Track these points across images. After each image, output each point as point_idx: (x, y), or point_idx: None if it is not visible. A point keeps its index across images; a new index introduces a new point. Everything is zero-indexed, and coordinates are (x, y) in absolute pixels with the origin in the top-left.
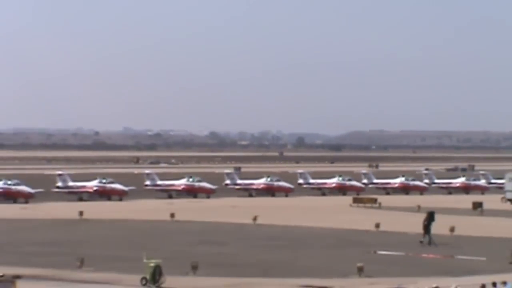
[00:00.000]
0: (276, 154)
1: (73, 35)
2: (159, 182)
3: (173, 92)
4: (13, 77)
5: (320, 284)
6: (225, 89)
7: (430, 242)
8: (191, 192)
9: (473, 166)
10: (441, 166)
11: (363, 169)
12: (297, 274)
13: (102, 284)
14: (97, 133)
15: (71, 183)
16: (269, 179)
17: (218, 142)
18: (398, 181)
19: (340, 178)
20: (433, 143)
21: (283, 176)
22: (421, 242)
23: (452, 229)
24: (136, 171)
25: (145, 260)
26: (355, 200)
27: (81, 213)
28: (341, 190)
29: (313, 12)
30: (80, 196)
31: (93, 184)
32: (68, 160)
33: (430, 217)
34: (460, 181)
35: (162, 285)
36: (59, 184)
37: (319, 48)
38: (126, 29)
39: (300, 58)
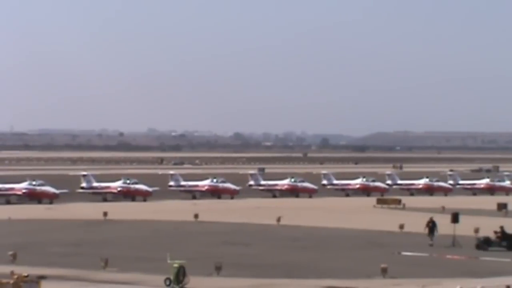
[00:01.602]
0: (300, 155)
1: (97, 37)
2: (183, 183)
3: (198, 93)
4: (39, 78)
5: (344, 285)
6: (249, 90)
7: (432, 245)
8: (215, 193)
9: (497, 167)
10: (465, 167)
11: (387, 170)
12: (321, 275)
13: (126, 285)
14: (121, 134)
15: (95, 184)
16: (293, 180)
17: (242, 143)
18: (422, 182)
19: (364, 179)
20: (457, 144)
21: (307, 177)
22: (431, 245)
23: (476, 230)
24: (160, 171)
25: (169, 261)
26: (379, 201)
27: (105, 213)
28: (365, 191)
29: (337, 13)
30: (104, 196)
31: (117, 185)
32: (92, 161)
33: (433, 221)
34: (484, 182)
35: (186, 286)
36: (84, 184)
37: (343, 50)
38: (149, 31)
39: (324, 59)
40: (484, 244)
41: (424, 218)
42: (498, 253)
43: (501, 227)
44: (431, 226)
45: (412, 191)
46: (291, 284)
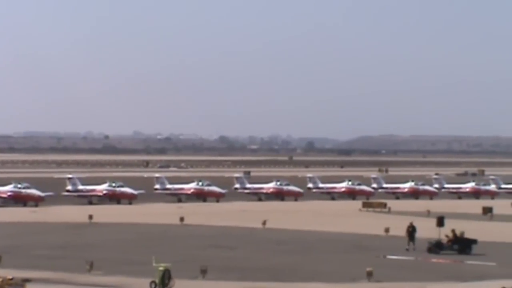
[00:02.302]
0: (286, 158)
1: (83, 39)
2: (168, 186)
3: (183, 96)
4: (23, 80)
5: None
6: (235, 93)
7: (414, 249)
8: (200, 196)
9: (483, 171)
10: (451, 171)
11: (373, 173)
12: (306, 279)
13: None
14: (107, 137)
15: (81, 187)
16: (278, 183)
17: (227, 146)
18: (407, 185)
19: (350, 183)
20: (443, 148)
21: (293, 180)
22: (407, 249)
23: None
24: (145, 174)
25: (154, 264)
26: (365, 205)
27: (90, 216)
28: (350, 194)
29: (322, 16)
30: (89, 199)
31: (102, 188)
32: (78, 164)
33: (413, 226)
34: (470, 186)
35: None
36: (69, 187)
37: (328, 53)
38: (136, 33)
39: (309, 62)
40: (435, 247)
41: (410, 221)
42: (481, 257)
43: (453, 231)
44: (411, 231)
45: (398, 195)
46: (277, 287)
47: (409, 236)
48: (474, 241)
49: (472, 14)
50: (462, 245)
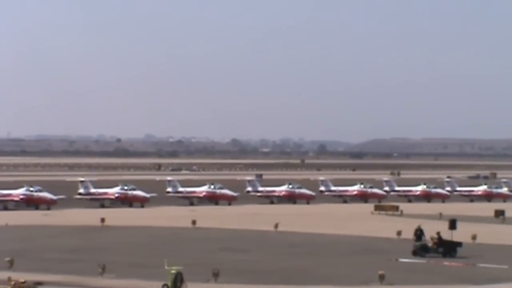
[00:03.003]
0: (298, 161)
1: (95, 44)
2: (180, 189)
3: (195, 99)
4: (36, 84)
5: None
6: (247, 96)
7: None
8: (212, 199)
9: (495, 174)
10: (463, 174)
11: (385, 176)
12: (318, 282)
13: None
14: (119, 140)
15: (93, 190)
16: (290, 186)
17: (239, 149)
18: (420, 188)
19: (362, 186)
20: (455, 151)
21: (305, 183)
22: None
23: (474, 237)
24: (157, 178)
25: (166, 267)
26: (377, 208)
27: (102, 219)
28: (362, 197)
29: (333, 19)
30: (101, 202)
31: (114, 191)
32: (90, 167)
33: (421, 229)
34: (482, 189)
35: None
36: (81, 190)
37: (341, 56)
38: (148, 38)
39: (323, 66)
40: (421, 250)
41: (422, 224)
42: (496, 260)
43: (438, 233)
44: (419, 234)
45: (410, 198)
46: None
47: (417, 240)
48: (459, 244)
49: (485, 14)
50: (447, 248)
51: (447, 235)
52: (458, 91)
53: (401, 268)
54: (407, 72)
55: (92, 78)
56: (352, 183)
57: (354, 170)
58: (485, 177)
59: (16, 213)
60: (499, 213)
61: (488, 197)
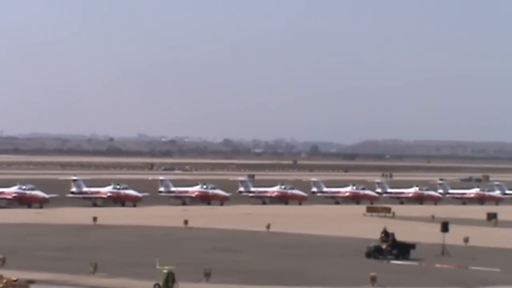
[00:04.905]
0: (290, 162)
1: (88, 41)
2: (173, 189)
3: (188, 99)
4: (30, 83)
5: None
6: (239, 97)
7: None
8: (205, 199)
9: (487, 177)
10: (455, 177)
11: (377, 178)
12: (310, 283)
13: None
14: (111, 139)
15: (85, 189)
16: (282, 187)
17: (232, 149)
18: (412, 190)
19: (354, 187)
20: (447, 153)
21: (297, 184)
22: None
23: (466, 240)
24: (150, 177)
25: (158, 267)
26: (369, 209)
27: (95, 218)
28: (354, 199)
29: (326, 19)
30: (94, 201)
31: (107, 190)
32: (82, 166)
33: (386, 232)
34: (474, 191)
35: None
36: (74, 189)
37: (334, 57)
38: (141, 36)
39: (314, 66)
40: (374, 252)
41: (414, 226)
42: (488, 263)
43: (392, 235)
44: (383, 236)
45: (402, 200)
46: None
47: (382, 242)
48: (412, 246)
49: (482, 15)
50: (400, 250)
51: (439, 237)
52: (451, 94)
53: (393, 270)
54: (400, 74)
55: (85, 77)
56: (344, 184)
57: (346, 171)
58: (478, 180)
59: (9, 211)
60: (492, 216)
61: (480, 199)
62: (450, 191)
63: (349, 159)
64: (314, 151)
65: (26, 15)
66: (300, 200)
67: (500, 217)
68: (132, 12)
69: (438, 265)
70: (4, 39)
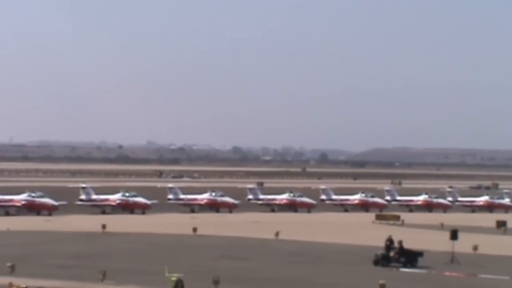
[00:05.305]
0: (299, 169)
1: (98, 50)
2: (181, 196)
3: (197, 106)
4: (39, 90)
5: None
6: (248, 104)
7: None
8: (213, 206)
9: (497, 185)
10: (464, 184)
11: (386, 186)
12: None
13: None
14: (120, 147)
15: (94, 196)
16: (291, 194)
17: (240, 157)
18: (421, 198)
19: (363, 195)
20: (456, 161)
21: (306, 191)
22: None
23: (475, 248)
24: (159, 185)
25: (167, 274)
26: (378, 217)
27: (103, 226)
28: (363, 206)
29: (341, 26)
30: (103, 209)
31: (116, 198)
32: (91, 173)
33: (391, 240)
34: (483, 199)
35: None
36: (83, 197)
37: (342, 65)
38: (150, 45)
39: (323, 74)
40: (382, 260)
41: (423, 234)
42: (497, 271)
43: (400, 242)
44: (388, 244)
45: (411, 208)
46: None
47: (387, 250)
48: (420, 254)
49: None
50: (408, 257)
51: (448, 245)
52: (460, 101)
53: (402, 278)
54: (409, 82)
55: (94, 84)
56: (353, 192)
57: (355, 179)
58: (487, 188)
59: (18, 218)
60: (501, 224)
61: (489, 207)
62: (459, 199)
63: (358, 166)
64: (323, 158)
65: (36, 23)
66: (309, 207)
67: (509, 225)
68: (143, 19)
69: (447, 273)
70: (12, 47)
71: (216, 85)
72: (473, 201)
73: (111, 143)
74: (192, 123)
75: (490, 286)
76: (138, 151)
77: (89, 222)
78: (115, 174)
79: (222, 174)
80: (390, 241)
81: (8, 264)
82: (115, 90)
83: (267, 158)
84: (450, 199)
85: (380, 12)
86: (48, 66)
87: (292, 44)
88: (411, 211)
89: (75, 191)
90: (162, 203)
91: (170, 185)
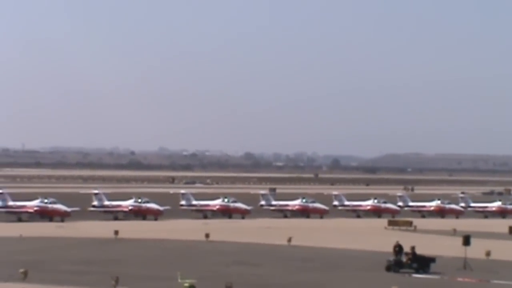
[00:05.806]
0: (311, 175)
1: (111, 57)
2: (194, 202)
3: (209, 112)
4: (50, 96)
5: None
6: (260, 110)
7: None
8: (226, 212)
9: (509, 190)
10: (477, 190)
11: (399, 191)
12: None
13: None
14: (133, 153)
15: (106, 202)
16: (304, 200)
17: (253, 163)
18: (433, 204)
19: (375, 201)
20: (469, 167)
21: (318, 197)
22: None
23: (488, 253)
24: (171, 191)
25: (179, 280)
26: (390, 223)
27: (116, 232)
28: (376, 212)
29: (346, 30)
30: (115, 215)
31: (128, 204)
32: (104, 179)
33: (400, 245)
34: (496, 205)
35: None
36: (95, 203)
37: (354, 72)
38: (163, 51)
39: (335, 80)
40: (395, 266)
41: (436, 240)
42: (510, 277)
43: (412, 248)
44: (398, 250)
45: (424, 213)
46: None
47: (396, 256)
48: (432, 260)
49: (488, 22)
50: (420, 263)
51: (460, 251)
52: (472, 107)
53: (415, 284)
54: (421, 88)
55: (107, 90)
56: (365, 198)
57: (367, 185)
58: (499, 193)
59: (30, 224)
60: None
61: (502, 213)
62: (472, 204)
63: (371, 172)
64: (335, 164)
65: (51, 28)
66: (321, 213)
67: None
68: (157, 26)
69: (459, 279)
70: (26, 54)
71: (229, 91)
72: (486, 207)
73: (123, 149)
74: (204, 129)
75: None
76: (150, 157)
77: (102, 228)
78: (127, 180)
79: (234, 180)
80: (398, 246)
81: (21, 270)
82: (127, 97)
83: (280, 164)
84: (462, 205)
85: (396, 16)
86: (61, 73)
87: (305, 50)
88: (423, 217)
89: (87, 197)
90: (174, 209)
91: (182, 191)
